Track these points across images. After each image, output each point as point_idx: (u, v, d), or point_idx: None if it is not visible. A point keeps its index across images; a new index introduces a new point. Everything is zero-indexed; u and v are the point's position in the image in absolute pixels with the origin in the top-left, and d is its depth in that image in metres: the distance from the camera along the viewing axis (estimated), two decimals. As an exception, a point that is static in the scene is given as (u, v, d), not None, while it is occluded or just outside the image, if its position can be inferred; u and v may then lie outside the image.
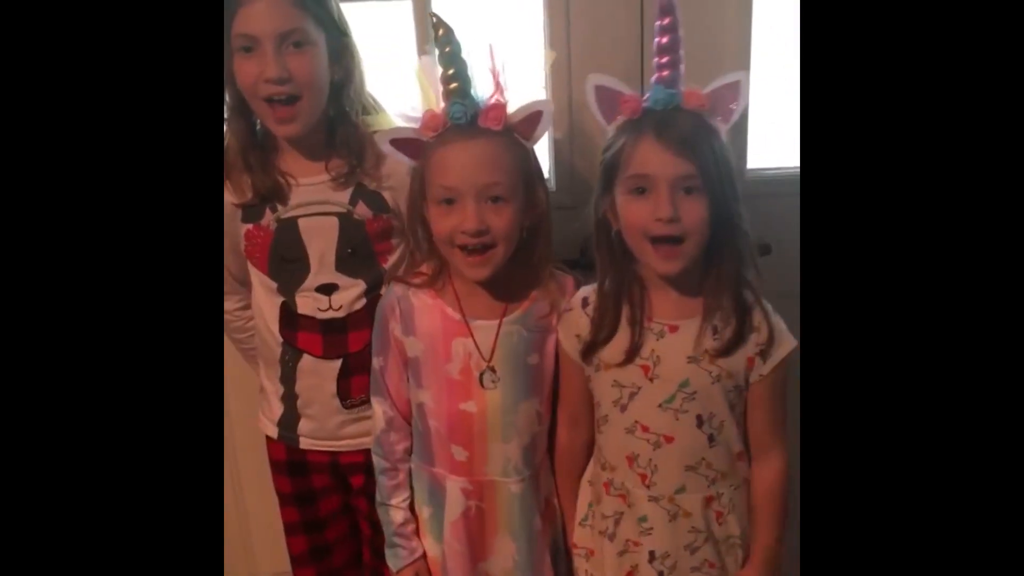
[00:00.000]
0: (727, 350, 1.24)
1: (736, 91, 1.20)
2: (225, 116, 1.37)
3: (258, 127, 1.39)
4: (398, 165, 1.35)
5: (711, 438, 1.27)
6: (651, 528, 1.30)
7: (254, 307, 1.49)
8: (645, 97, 1.22)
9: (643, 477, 1.29)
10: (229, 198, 1.38)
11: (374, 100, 1.41)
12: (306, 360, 1.44)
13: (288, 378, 1.46)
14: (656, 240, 1.19)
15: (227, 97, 1.35)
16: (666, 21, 1.21)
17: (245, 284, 1.49)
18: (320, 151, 1.38)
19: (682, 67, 1.22)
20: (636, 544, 1.32)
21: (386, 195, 1.40)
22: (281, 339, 1.44)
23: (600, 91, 1.24)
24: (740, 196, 1.22)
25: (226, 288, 1.49)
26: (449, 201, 1.23)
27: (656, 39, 1.22)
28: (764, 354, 1.25)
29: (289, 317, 1.43)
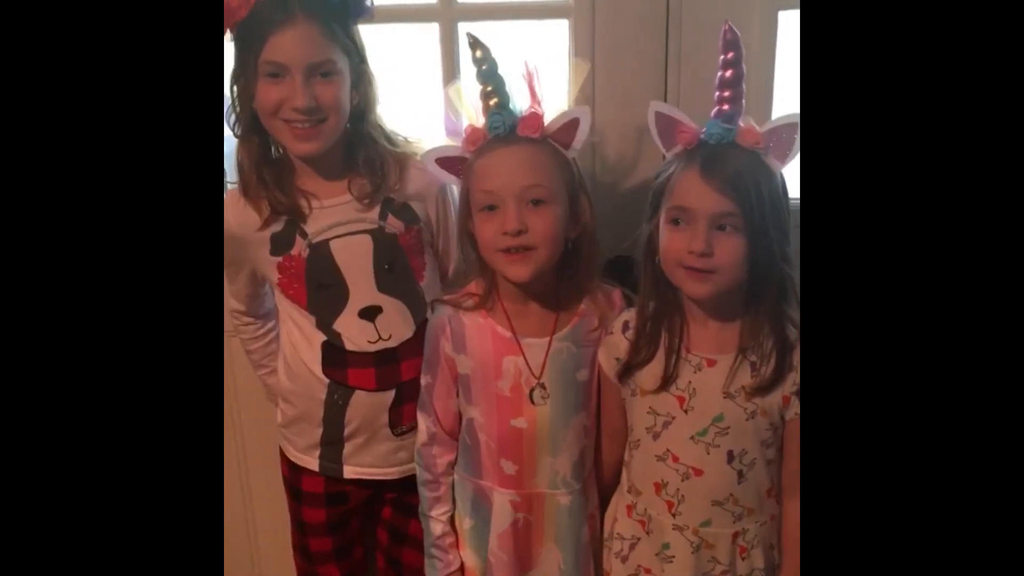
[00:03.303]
0: (764, 389, 1.19)
1: (794, 133, 1.14)
2: (237, 135, 1.31)
3: (274, 150, 1.34)
4: (420, 174, 1.34)
5: (740, 474, 1.21)
6: (673, 556, 1.25)
7: (284, 346, 1.41)
8: (703, 129, 1.17)
9: (669, 505, 1.25)
10: (252, 215, 1.31)
11: (395, 133, 1.37)
12: (359, 396, 1.37)
13: (335, 414, 1.38)
14: (688, 267, 1.15)
15: (234, 115, 1.30)
16: (729, 55, 1.16)
17: (255, 316, 1.46)
18: (337, 171, 1.33)
19: (743, 103, 1.16)
20: (648, 571, 1.28)
21: (414, 206, 1.35)
22: (327, 380, 1.36)
23: (660, 118, 1.20)
24: (789, 237, 1.17)
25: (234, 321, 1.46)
26: (491, 207, 1.21)
27: (719, 72, 1.17)
28: (800, 393, 1.18)
29: (335, 355, 1.36)
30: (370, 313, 1.35)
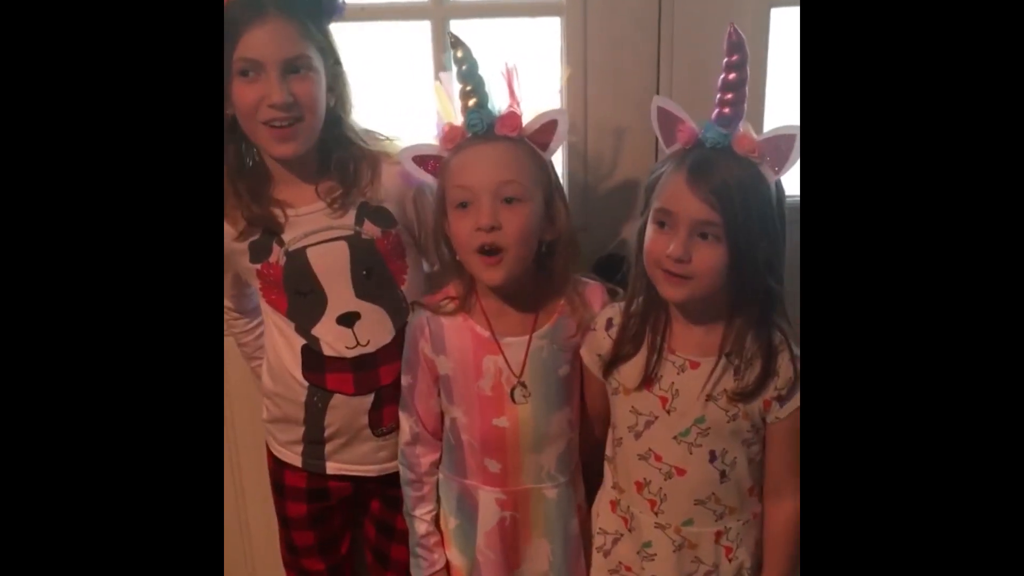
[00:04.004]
0: (747, 395, 1.18)
1: (791, 144, 1.12)
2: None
3: (248, 160, 1.32)
4: (394, 176, 1.31)
5: (723, 474, 1.21)
6: (655, 554, 1.25)
7: (268, 348, 1.41)
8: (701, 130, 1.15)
9: (652, 503, 1.24)
10: (228, 228, 1.30)
11: (367, 131, 1.34)
12: (338, 399, 1.35)
13: (315, 416, 1.37)
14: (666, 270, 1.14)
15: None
16: (734, 58, 1.13)
17: (243, 312, 1.46)
18: (312, 177, 1.30)
19: (744, 107, 1.14)
20: (628, 569, 1.28)
21: (390, 207, 1.33)
22: (307, 383, 1.36)
23: (662, 113, 1.18)
24: (779, 249, 1.16)
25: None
26: (465, 204, 1.19)
27: (722, 75, 1.15)
28: (782, 399, 1.18)
29: (313, 359, 1.34)
30: (348, 319, 1.33)
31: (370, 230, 1.32)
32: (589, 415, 1.35)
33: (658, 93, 1.47)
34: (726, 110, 1.14)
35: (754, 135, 1.14)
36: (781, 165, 1.14)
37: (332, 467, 1.41)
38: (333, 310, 1.33)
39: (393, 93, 1.52)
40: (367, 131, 1.34)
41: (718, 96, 1.15)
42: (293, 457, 1.43)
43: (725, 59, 1.15)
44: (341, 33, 1.31)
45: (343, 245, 1.31)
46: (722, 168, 1.11)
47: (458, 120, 1.23)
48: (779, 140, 1.13)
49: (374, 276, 1.33)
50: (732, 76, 1.14)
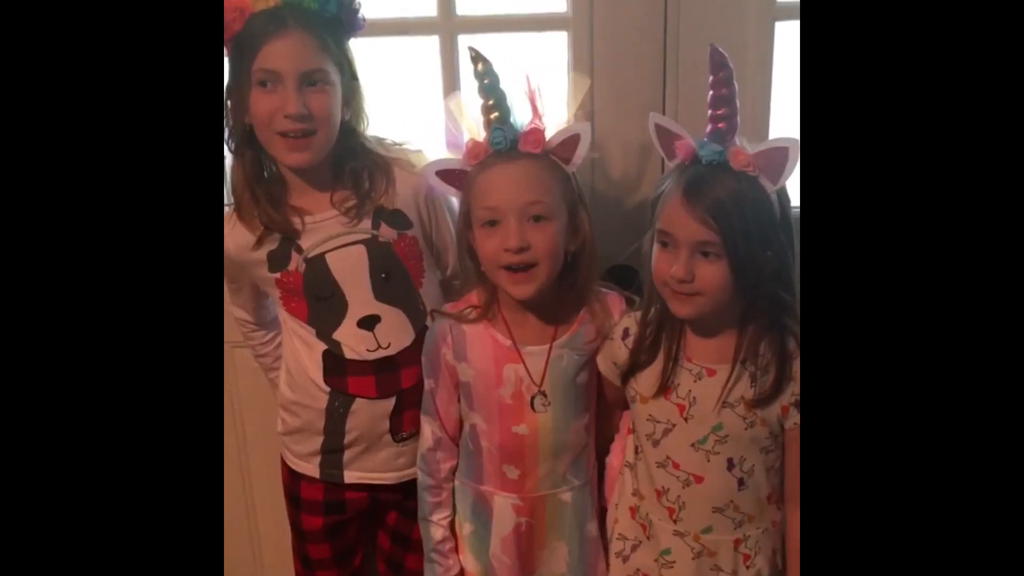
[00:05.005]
0: (763, 401, 1.18)
1: (785, 157, 1.12)
2: (231, 149, 1.31)
3: (266, 168, 1.33)
4: (407, 181, 1.33)
5: (741, 482, 1.21)
6: (673, 562, 1.25)
7: (287, 357, 1.41)
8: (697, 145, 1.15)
9: (670, 511, 1.24)
10: (246, 236, 1.32)
11: (378, 139, 1.37)
12: (359, 403, 1.36)
13: (336, 422, 1.38)
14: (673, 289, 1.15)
15: (227, 129, 1.30)
16: (719, 75, 1.13)
17: (262, 324, 1.47)
18: (328, 186, 1.32)
19: (737, 120, 1.14)
20: None
21: (405, 210, 1.34)
22: (328, 388, 1.36)
23: (660, 130, 1.19)
24: (785, 258, 1.16)
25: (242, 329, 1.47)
26: (493, 223, 1.20)
27: (711, 92, 1.15)
28: (799, 404, 1.18)
29: (335, 364, 1.35)
30: (369, 323, 1.34)
31: (387, 233, 1.34)
32: (608, 403, 1.35)
33: (664, 105, 1.48)
34: (719, 125, 1.15)
35: (748, 149, 1.14)
36: (777, 177, 1.14)
37: (350, 476, 1.42)
38: (353, 314, 1.34)
39: (402, 107, 1.53)
40: (379, 139, 1.36)
41: (710, 112, 1.15)
42: (310, 469, 1.43)
43: (711, 77, 1.15)
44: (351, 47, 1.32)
45: (361, 249, 1.33)
46: (717, 186, 1.12)
47: (480, 135, 1.23)
48: (773, 153, 1.13)
49: (392, 279, 1.35)
50: (722, 91, 1.14)
